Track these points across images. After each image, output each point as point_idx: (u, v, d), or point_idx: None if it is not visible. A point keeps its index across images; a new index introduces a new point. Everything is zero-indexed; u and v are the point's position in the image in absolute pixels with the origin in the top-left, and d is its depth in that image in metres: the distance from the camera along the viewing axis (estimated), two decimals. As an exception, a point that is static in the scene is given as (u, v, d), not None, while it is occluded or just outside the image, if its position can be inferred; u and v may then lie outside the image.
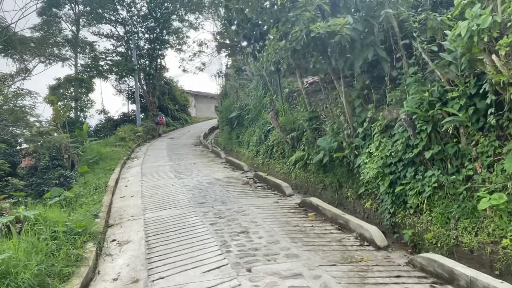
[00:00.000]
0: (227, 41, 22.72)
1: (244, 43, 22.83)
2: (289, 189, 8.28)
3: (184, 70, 29.25)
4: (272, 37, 7.29)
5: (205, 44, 27.60)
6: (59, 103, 27.29)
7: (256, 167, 12.19)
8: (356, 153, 6.62)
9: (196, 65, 32.05)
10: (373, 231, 5.10)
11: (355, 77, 6.66)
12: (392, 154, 5.62)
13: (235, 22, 8.26)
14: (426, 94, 5.08)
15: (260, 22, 7.99)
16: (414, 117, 5.28)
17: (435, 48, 5.21)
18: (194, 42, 29.67)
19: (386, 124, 6.03)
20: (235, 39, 18.38)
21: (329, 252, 4.80)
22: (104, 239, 5.56)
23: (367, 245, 5.02)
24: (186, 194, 8.60)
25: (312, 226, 5.94)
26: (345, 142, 6.95)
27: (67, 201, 7.61)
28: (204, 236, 5.59)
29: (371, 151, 6.09)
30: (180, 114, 33.47)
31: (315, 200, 6.95)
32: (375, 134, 6.11)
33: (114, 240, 5.71)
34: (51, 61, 23.31)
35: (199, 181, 10.00)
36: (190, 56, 28.00)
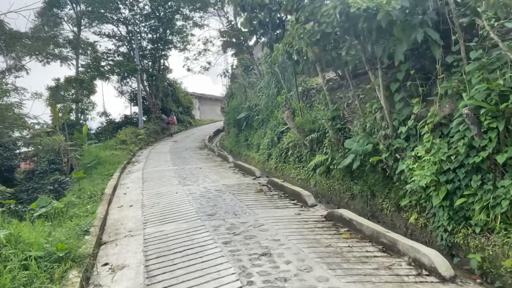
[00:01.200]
0: (234, 40, 21.80)
1: (252, 41, 21.82)
2: (312, 198, 7.19)
3: (188, 70, 28.31)
4: (293, 21, 6.23)
5: (211, 42, 26.58)
6: (58, 105, 26.47)
7: (268, 172, 11.12)
8: (398, 156, 5.53)
9: (201, 65, 31.03)
10: (434, 256, 4.01)
11: (396, 66, 5.58)
12: (451, 158, 4.53)
13: (249, 8, 7.21)
14: (501, 81, 4.00)
15: (279, 5, 6.93)
16: (482, 112, 4.20)
17: (510, 25, 4.15)
18: (199, 40, 28.65)
19: (438, 121, 4.95)
20: (246, 30, 17.40)
21: (381, 286, 3.70)
22: (94, 264, 4.49)
23: (427, 275, 3.92)
24: (193, 203, 7.53)
25: (348, 246, 4.85)
26: (382, 144, 5.86)
27: (55, 213, 6.56)
28: (217, 260, 4.51)
29: (418, 155, 5.00)
30: (184, 116, 32.48)
31: (346, 213, 5.86)
32: (424, 133, 5.02)
33: (106, 264, 4.64)
34: (49, 60, 22.33)
35: (207, 188, 8.93)
36: (195, 54, 27.01)
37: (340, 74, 9.51)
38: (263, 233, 5.51)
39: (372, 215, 6.46)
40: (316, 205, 7.10)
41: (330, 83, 11.52)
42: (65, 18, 31.24)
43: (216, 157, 15.21)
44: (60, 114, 18.93)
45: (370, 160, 5.91)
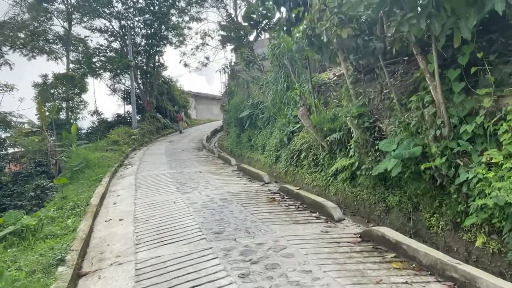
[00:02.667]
0: (232, 34, 20.57)
1: (252, 36, 20.59)
2: (338, 211, 6.01)
3: (185, 65, 26.99)
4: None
5: (209, 35, 25.26)
6: (48, 103, 25.08)
7: (276, 177, 9.94)
8: (460, 162, 4.36)
9: (199, 60, 29.91)
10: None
11: (455, 48, 4.42)
12: (549, 166, 3.38)
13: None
14: None
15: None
16: None
17: None
18: (197, 33, 27.26)
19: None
20: (246, 24, 16.23)
21: None
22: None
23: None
24: (195, 216, 6.32)
25: (406, 282, 3.67)
26: (433, 146, 4.70)
27: (27, 231, 5.32)
28: (235, 306, 3.32)
29: (494, 160, 3.85)
30: (180, 115, 31.18)
31: (390, 233, 4.68)
32: (502, 133, 3.87)
33: (83, 311, 3.43)
34: (35, 54, 20.88)
35: (210, 197, 7.73)
36: (192, 49, 25.72)
37: (356, 67, 8.43)
38: (288, 260, 4.32)
39: (415, 233, 5.30)
40: (344, 219, 5.92)
41: (340, 80, 10.40)
42: (55, 13, 29.90)
43: (217, 159, 13.99)
44: (47, 113, 17.56)
45: (423, 167, 4.72)
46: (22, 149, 23.62)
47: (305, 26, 6.23)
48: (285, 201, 7.25)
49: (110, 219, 6.61)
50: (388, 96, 7.46)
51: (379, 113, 6.97)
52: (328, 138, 7.31)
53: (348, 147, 6.97)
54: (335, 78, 10.97)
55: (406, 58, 7.44)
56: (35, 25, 27.62)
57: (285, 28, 6.31)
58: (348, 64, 7.17)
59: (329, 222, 5.83)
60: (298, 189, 7.47)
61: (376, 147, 6.19)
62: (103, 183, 9.38)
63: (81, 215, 6.51)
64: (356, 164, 6.52)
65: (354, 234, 5.22)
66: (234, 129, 15.58)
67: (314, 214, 6.25)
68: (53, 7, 29.47)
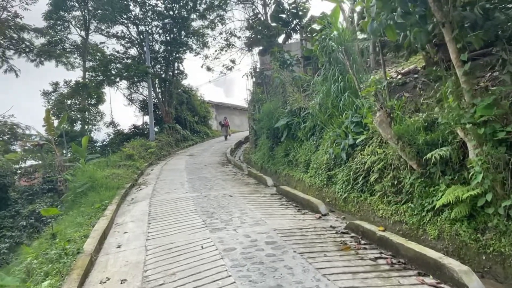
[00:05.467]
0: (259, 37, 18.51)
1: (280, 38, 18.50)
2: (475, 278, 3.62)
3: (208, 69, 25.03)
4: None
5: (235, 35, 23.25)
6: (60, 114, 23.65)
7: (330, 204, 7.61)
8: None
9: (223, 63, 27.97)
10: None
11: None
12: None
13: None
14: None
15: None
16: None
17: None
18: (221, 33, 25.34)
19: None
20: (275, 25, 14.25)
21: None
22: None
23: None
24: (235, 278, 4.06)
25: None
26: None
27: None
28: None
29: None
30: (200, 126, 29.25)
31: None
32: None
33: None
34: (42, 59, 19.30)
35: (251, 238, 5.46)
36: (216, 51, 23.75)
37: (442, 57, 6.20)
38: None
39: None
40: (488, 293, 3.54)
41: (415, 78, 8.12)
42: (73, 22, 28.83)
43: (247, 178, 11.72)
44: (55, 124, 15.84)
45: None
46: (39, 162, 22.18)
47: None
48: (365, 249, 4.90)
49: (108, 279, 4.40)
50: (508, 93, 5.14)
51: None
52: (429, 156, 4.94)
53: (466, 169, 4.61)
54: (399, 76, 8.69)
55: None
56: (52, 33, 26.53)
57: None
58: (460, 46, 4.85)
59: (465, 300, 3.45)
60: (383, 231, 5.11)
61: (530, 171, 3.85)
62: (107, 214, 7.22)
63: (65, 272, 4.34)
64: (489, 197, 4.15)
65: (537, 336, 2.83)
66: (265, 141, 13.33)
67: (428, 280, 3.88)
68: (70, 15, 28.43)
